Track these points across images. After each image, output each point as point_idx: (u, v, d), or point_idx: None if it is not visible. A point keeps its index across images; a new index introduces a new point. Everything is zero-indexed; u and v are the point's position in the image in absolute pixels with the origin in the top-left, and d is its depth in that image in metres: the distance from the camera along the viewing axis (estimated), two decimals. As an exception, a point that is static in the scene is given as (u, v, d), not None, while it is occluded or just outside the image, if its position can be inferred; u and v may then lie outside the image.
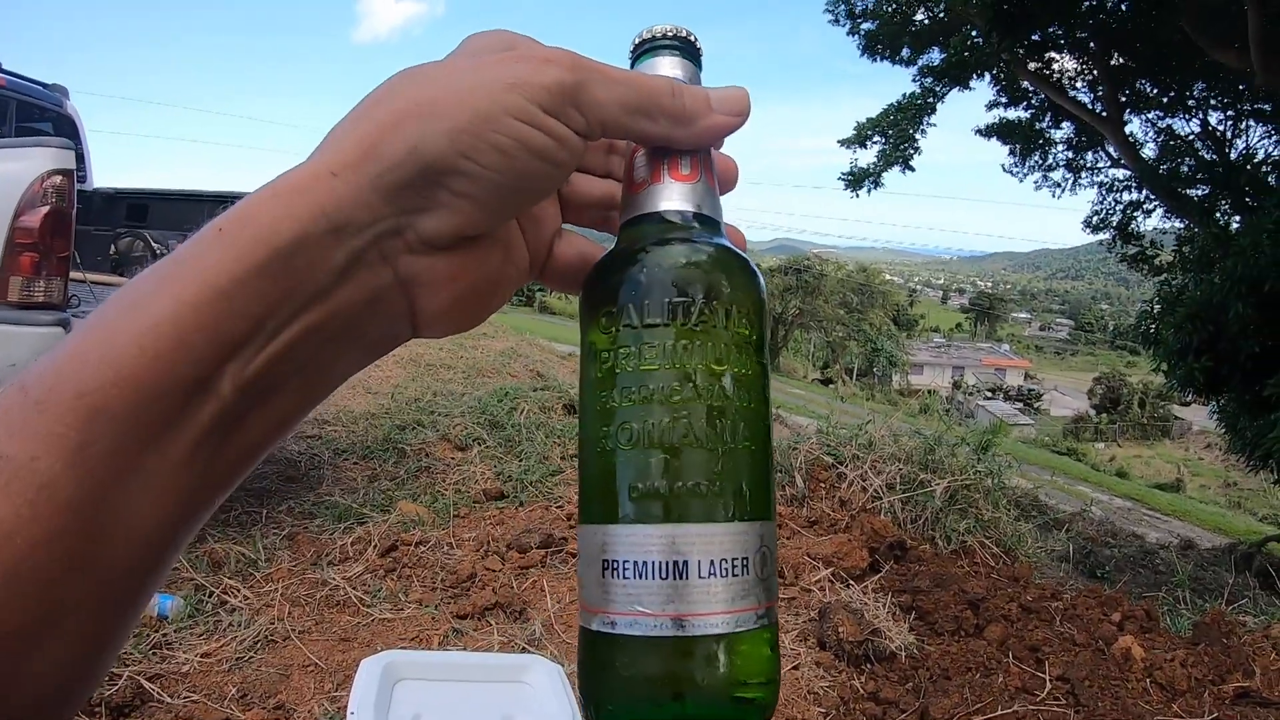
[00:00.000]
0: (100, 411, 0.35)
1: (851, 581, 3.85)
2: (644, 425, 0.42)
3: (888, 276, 72.80)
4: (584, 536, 0.43)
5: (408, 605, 3.46)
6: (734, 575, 0.41)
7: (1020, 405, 56.25)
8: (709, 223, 0.47)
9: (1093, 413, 52.85)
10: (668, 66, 0.48)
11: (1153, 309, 9.91)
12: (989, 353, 76.80)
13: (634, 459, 0.42)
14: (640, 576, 0.40)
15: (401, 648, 2.96)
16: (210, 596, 3.35)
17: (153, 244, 4.14)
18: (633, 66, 0.49)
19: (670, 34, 0.49)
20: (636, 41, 0.50)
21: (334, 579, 3.55)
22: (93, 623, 0.37)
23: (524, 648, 3.15)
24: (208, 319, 0.37)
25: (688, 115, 0.46)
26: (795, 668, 3.18)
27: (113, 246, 4.26)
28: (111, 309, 0.37)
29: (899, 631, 3.38)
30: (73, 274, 3.43)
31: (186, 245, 0.39)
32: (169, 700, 2.70)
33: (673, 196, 0.47)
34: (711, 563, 0.40)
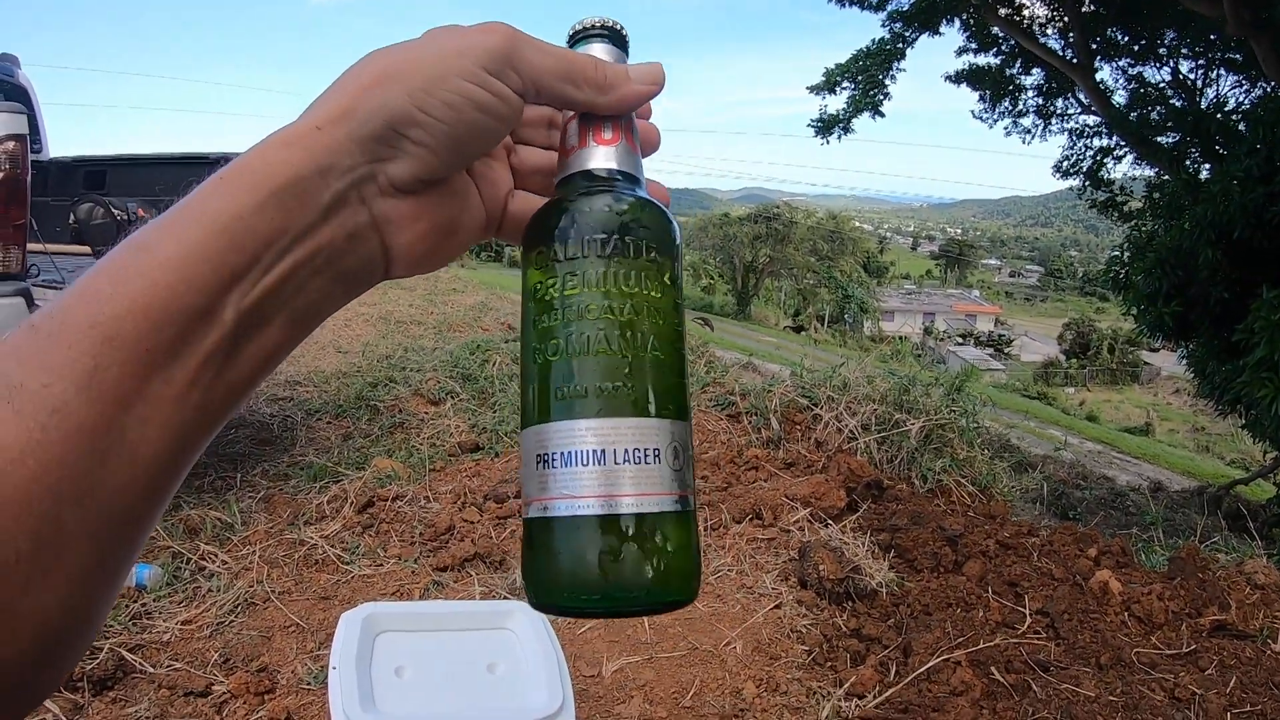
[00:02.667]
0: (112, 339, 0.38)
1: (830, 521, 3.86)
2: (568, 339, 0.49)
3: (857, 224, 72.88)
4: (524, 440, 0.51)
5: (387, 560, 3.44)
6: (647, 463, 0.47)
7: (991, 351, 56.70)
8: (629, 178, 0.55)
9: (1063, 358, 53.38)
10: (597, 51, 0.56)
11: (1123, 255, 9.94)
12: (959, 299, 77.14)
13: (561, 367, 0.49)
14: (568, 465, 0.47)
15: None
16: (188, 563, 3.32)
17: (113, 210, 4.02)
18: (574, 42, 0.57)
19: (599, 24, 0.56)
20: (571, 31, 0.57)
21: (311, 538, 3.52)
22: (95, 553, 0.39)
23: (505, 597, 3.14)
24: (212, 253, 0.41)
25: (608, 84, 0.54)
26: (777, 606, 3.18)
27: (71, 215, 4.14)
28: (119, 252, 0.41)
29: (879, 569, 3.39)
30: (31, 245, 3.33)
31: (190, 195, 0.43)
32: (151, 670, 2.68)
33: (597, 157, 0.55)
34: (627, 450, 0.47)
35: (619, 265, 0.50)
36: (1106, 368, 50.71)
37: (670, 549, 0.48)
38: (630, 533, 0.47)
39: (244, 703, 2.59)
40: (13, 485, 0.35)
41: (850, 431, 4.92)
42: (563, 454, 0.47)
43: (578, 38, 0.57)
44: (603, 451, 0.47)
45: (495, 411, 5.52)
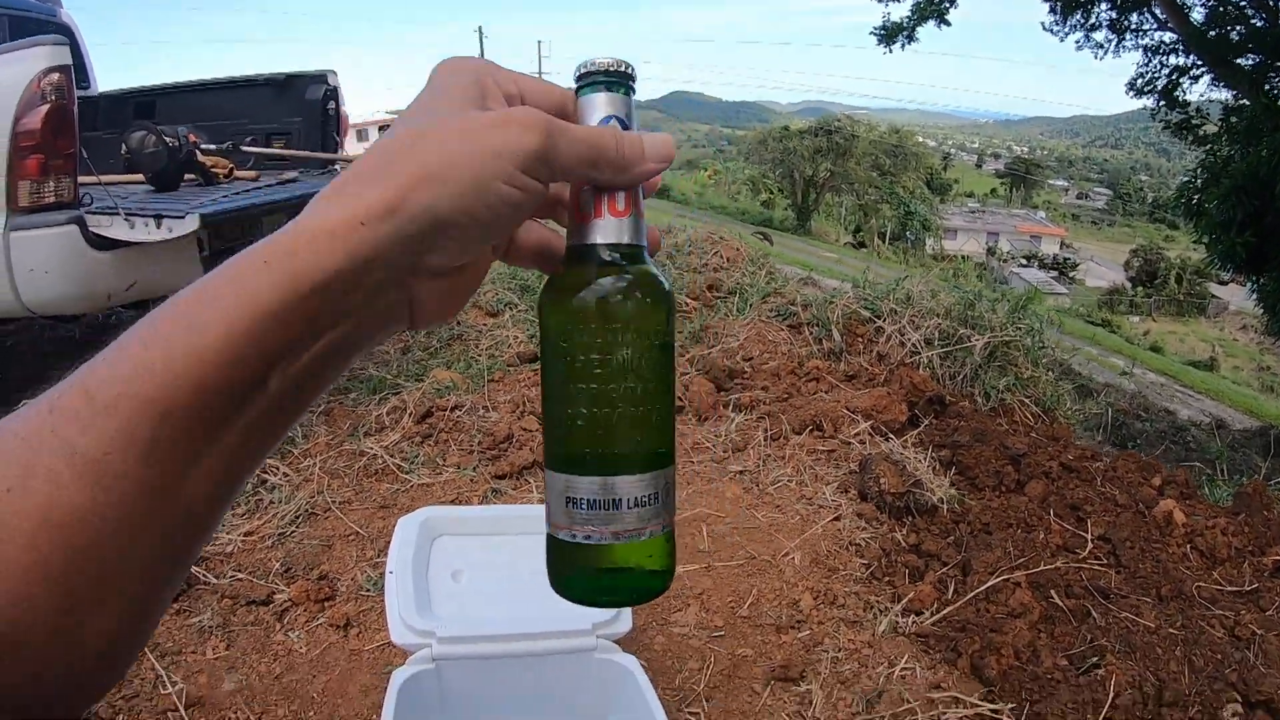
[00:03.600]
0: (168, 414, 0.43)
1: (891, 435, 3.79)
2: (588, 406, 0.59)
3: (920, 139, 70.82)
4: (551, 478, 0.63)
5: (446, 469, 3.45)
6: (648, 505, 0.60)
7: (1055, 274, 55.30)
8: (638, 250, 0.61)
9: (1128, 285, 51.90)
10: (608, 104, 0.59)
11: (1196, 180, 9.51)
12: (1024, 220, 75.09)
13: (581, 430, 0.59)
14: (591, 509, 0.60)
15: (440, 509, 2.95)
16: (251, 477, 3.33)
17: (164, 137, 4.01)
18: (577, 93, 0.60)
19: (610, 69, 0.59)
20: (580, 72, 0.60)
21: (371, 449, 3.54)
22: (148, 583, 0.46)
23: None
24: (258, 336, 0.45)
25: (626, 164, 0.57)
26: (836, 519, 3.14)
27: (123, 145, 4.15)
28: (166, 326, 0.45)
29: (940, 485, 3.33)
30: (84, 178, 3.35)
31: (233, 269, 0.47)
32: (214, 580, 2.71)
33: (611, 230, 0.60)
34: (634, 498, 0.60)
35: (634, 346, 0.58)
36: (1173, 298, 49.30)
37: (657, 563, 0.63)
38: (633, 555, 0.61)
39: (304, 610, 2.63)
40: (77, 541, 0.41)
41: (913, 345, 4.82)
42: (587, 500, 0.60)
43: (586, 83, 0.59)
44: (617, 500, 0.59)
45: (555, 321, 5.46)
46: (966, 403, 4.46)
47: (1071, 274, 57.92)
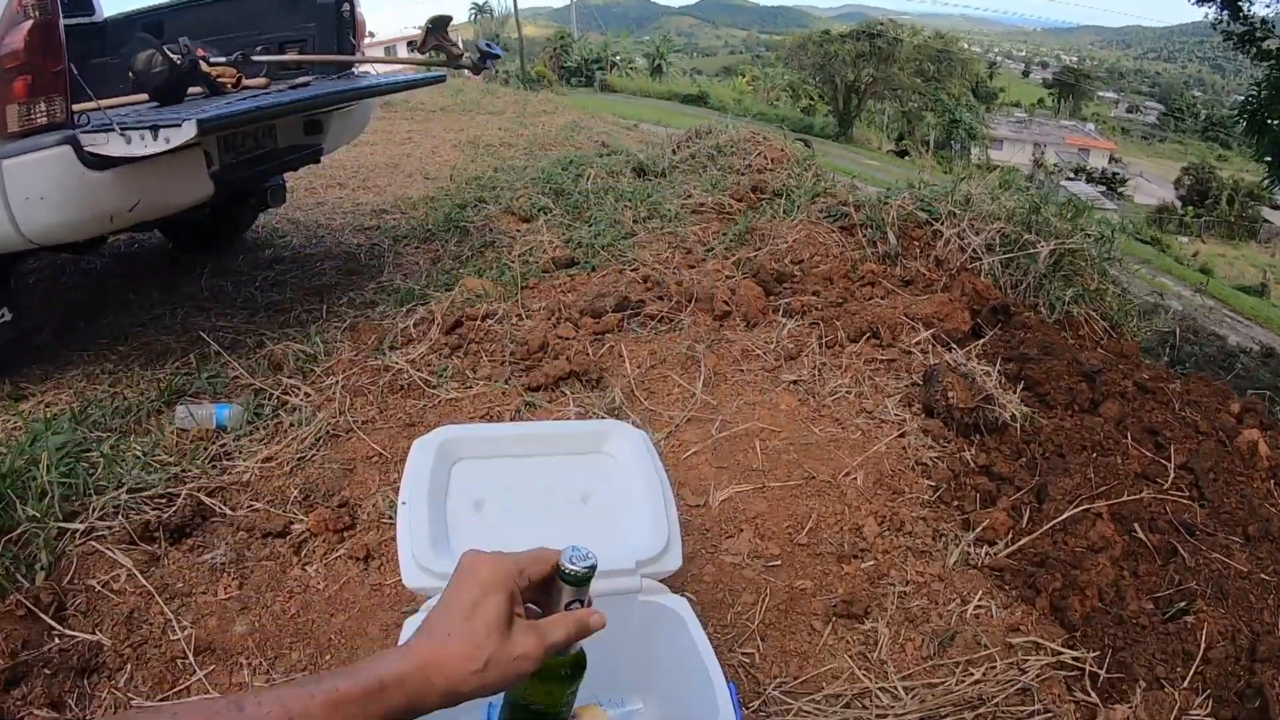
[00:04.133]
0: None
1: (953, 345, 3.49)
2: None
3: (966, 45, 68.40)
4: None
5: (476, 382, 3.19)
6: None
7: (1104, 189, 53.62)
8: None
9: (1178, 204, 50.25)
10: (573, 592, 1.02)
11: (1259, 95, 8.86)
12: (1072, 131, 72.70)
13: None
14: None
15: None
16: (270, 399, 3.13)
17: (170, 54, 3.78)
18: (559, 574, 1.02)
19: (584, 572, 1.01)
20: (565, 571, 1.01)
21: (397, 363, 3.30)
22: None
23: (602, 417, 2.88)
24: None
25: (585, 635, 1.00)
26: (901, 435, 2.87)
27: (129, 68, 3.91)
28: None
29: (1011, 400, 3.04)
30: (84, 105, 3.18)
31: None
32: (230, 513, 2.53)
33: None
34: None
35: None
36: (1224, 220, 47.73)
37: None
38: None
39: (323, 540, 2.43)
40: None
41: (973, 251, 4.47)
42: None
43: (564, 577, 1.01)
44: None
45: (591, 225, 5.17)
46: (1030, 314, 4.13)
47: (1120, 190, 56.27)
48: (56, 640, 2.00)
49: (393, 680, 0.79)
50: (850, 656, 2.10)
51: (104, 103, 3.30)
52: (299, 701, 0.73)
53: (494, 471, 1.84)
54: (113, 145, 2.94)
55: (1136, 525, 2.57)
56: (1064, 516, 2.51)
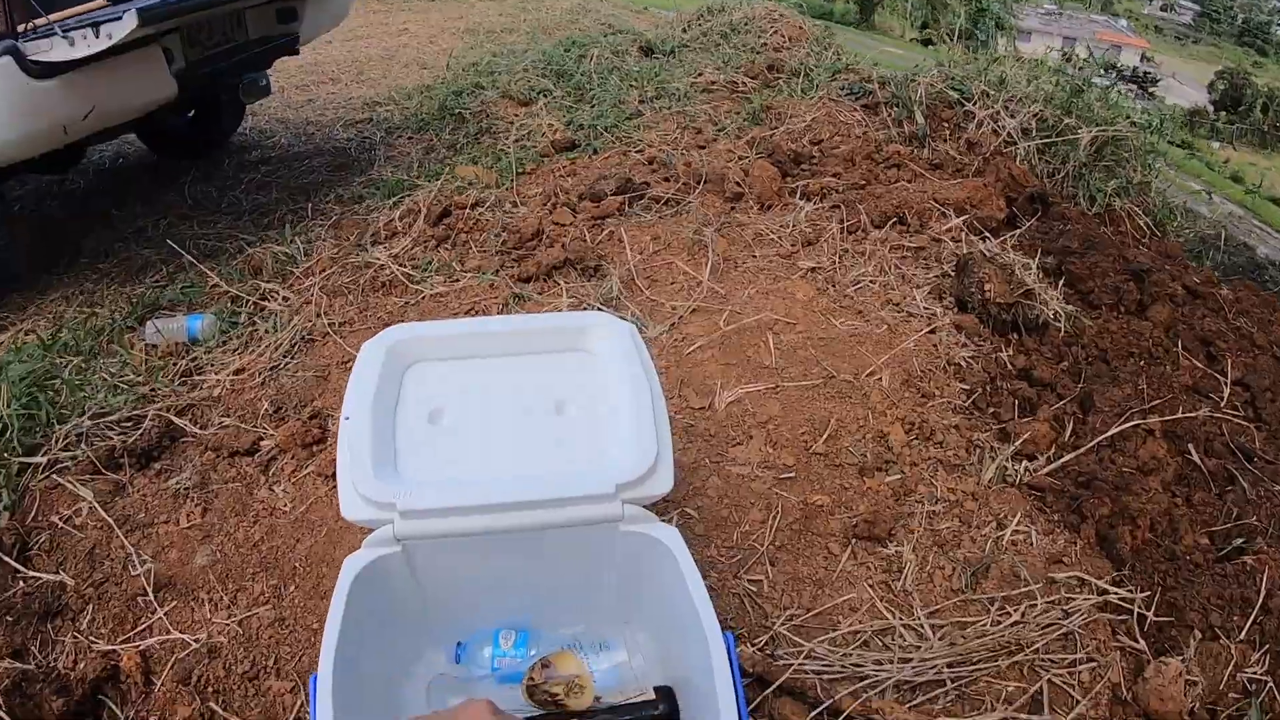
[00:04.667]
0: None
1: (987, 234, 3.16)
2: None
3: (995, -71, 65.45)
4: None
5: (463, 275, 2.89)
6: None
7: (1135, 88, 51.81)
8: None
9: (1211, 109, 48.50)
10: None
11: None
12: (1104, 26, 70.04)
13: None
14: None
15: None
16: (245, 306, 2.89)
17: None
18: None
19: None
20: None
21: (378, 259, 3.00)
22: None
23: (599, 310, 2.60)
24: None
25: None
26: (931, 331, 2.55)
27: None
28: None
29: (1054, 297, 2.73)
30: (37, 21, 2.88)
31: None
32: (199, 432, 2.35)
33: None
34: None
35: None
36: (1258, 128, 46.07)
37: None
38: None
39: (292, 457, 2.24)
40: None
41: (1008, 134, 4.08)
42: None
43: None
44: None
45: (594, 106, 4.78)
46: (1070, 206, 3.77)
47: (1152, 90, 54.42)
48: (21, 584, 1.89)
49: None
50: (871, 586, 1.84)
51: (55, 16, 3.03)
52: None
53: (454, 376, 1.55)
54: (56, 50, 2.71)
55: (1191, 447, 2.29)
56: (1111, 431, 2.22)
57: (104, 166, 4.85)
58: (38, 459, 2.19)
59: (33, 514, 2.07)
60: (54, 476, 2.16)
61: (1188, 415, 2.35)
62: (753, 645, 1.71)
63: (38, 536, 2.02)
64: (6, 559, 1.93)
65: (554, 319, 1.67)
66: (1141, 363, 2.59)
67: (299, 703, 1.69)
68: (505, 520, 1.35)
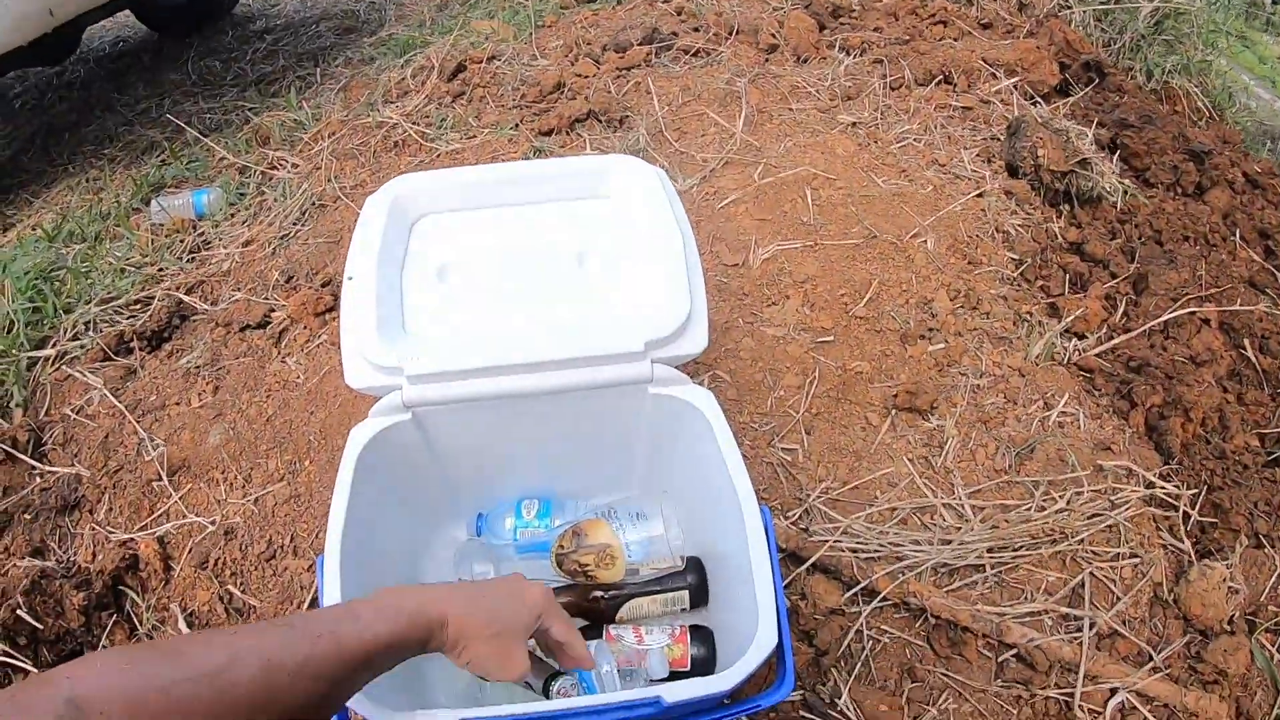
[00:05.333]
0: (364, 666, 0.83)
1: (1039, 100, 2.94)
2: None
3: None
4: None
5: (479, 131, 2.71)
6: None
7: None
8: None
9: (1269, 1, 46.14)
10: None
11: None
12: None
13: None
14: None
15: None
16: (253, 176, 2.75)
17: None
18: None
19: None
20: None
21: (391, 118, 2.82)
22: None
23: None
24: (392, 643, 0.86)
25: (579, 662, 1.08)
26: (979, 194, 2.37)
27: None
28: (342, 624, 0.83)
29: (1110, 169, 2.54)
30: None
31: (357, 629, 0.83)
32: (209, 308, 2.29)
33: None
34: None
35: None
36: None
37: None
38: None
39: (304, 327, 2.15)
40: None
41: (1062, -2, 3.81)
42: None
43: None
44: None
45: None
46: (1127, 79, 3.52)
47: (1204, -26, 51.81)
48: (38, 479, 1.88)
49: (421, 611, 0.90)
50: (911, 461, 1.72)
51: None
52: (343, 611, 0.85)
53: (465, 229, 1.42)
54: None
55: (1246, 342, 2.14)
56: (1166, 316, 2.07)
57: (104, 52, 4.70)
58: (46, 352, 2.17)
59: (45, 408, 2.05)
60: (64, 368, 2.13)
61: (1245, 308, 2.19)
62: (786, 519, 1.61)
63: (51, 430, 1.99)
64: (21, 456, 1.91)
65: (574, 162, 1.51)
66: (1196, 247, 2.42)
67: (315, 581, 1.62)
68: (523, 383, 1.22)
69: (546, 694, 1.19)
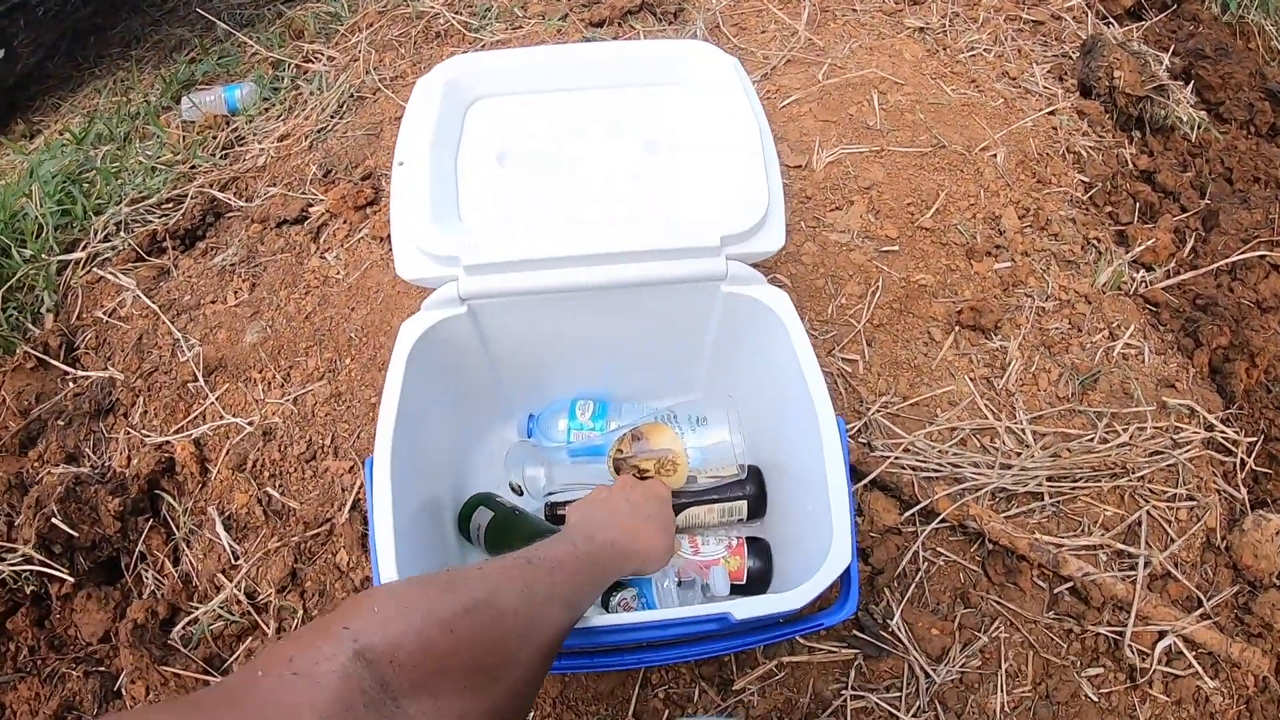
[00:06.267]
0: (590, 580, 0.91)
1: (1112, 21, 2.80)
2: None
3: None
4: None
5: (526, 21, 2.57)
6: None
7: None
8: None
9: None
10: None
11: None
12: None
13: None
14: None
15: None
16: (288, 70, 2.64)
17: None
18: None
19: None
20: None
21: (432, 7, 2.70)
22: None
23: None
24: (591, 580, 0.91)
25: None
26: (1051, 112, 2.26)
27: None
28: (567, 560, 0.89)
29: (1186, 99, 2.42)
30: None
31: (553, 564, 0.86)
32: (244, 205, 2.19)
33: None
34: None
35: None
36: None
37: None
38: None
39: (344, 221, 2.06)
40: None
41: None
42: None
43: None
44: None
45: None
46: (1202, 8, 3.34)
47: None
48: (71, 385, 1.84)
49: (608, 545, 0.99)
50: (973, 380, 1.66)
51: None
52: (559, 550, 0.89)
53: (525, 113, 1.33)
54: None
55: None
56: (1235, 257, 1.98)
57: None
58: (77, 255, 2.10)
59: (76, 312, 1.99)
60: (95, 270, 2.06)
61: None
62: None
63: (83, 334, 1.94)
64: (54, 361, 1.87)
65: (643, 46, 1.41)
66: (1270, 191, 2.31)
67: (357, 483, 1.56)
68: (586, 276, 1.15)
69: (605, 606, 1.17)
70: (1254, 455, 1.63)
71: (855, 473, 1.50)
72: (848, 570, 1.03)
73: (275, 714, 0.51)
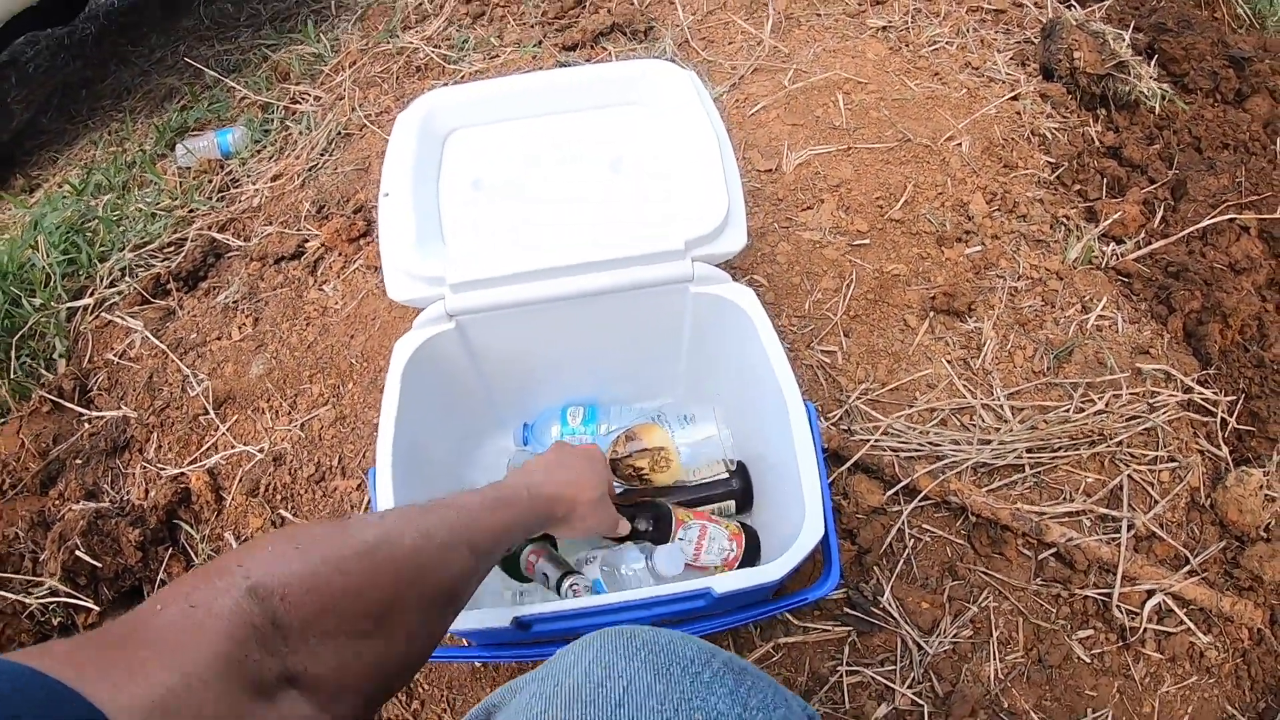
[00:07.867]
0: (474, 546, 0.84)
1: (1074, 3, 2.86)
2: None
3: None
4: None
5: (502, 50, 2.65)
6: None
7: None
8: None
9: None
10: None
11: None
12: None
13: None
14: None
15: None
16: (276, 111, 2.72)
17: None
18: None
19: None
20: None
21: (412, 43, 2.79)
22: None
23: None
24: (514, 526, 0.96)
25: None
26: (1014, 97, 2.32)
27: None
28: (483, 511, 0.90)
29: (1147, 73, 2.47)
30: None
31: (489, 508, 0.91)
32: (242, 244, 2.29)
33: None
34: None
35: None
36: None
37: None
38: None
39: (338, 255, 2.15)
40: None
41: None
42: None
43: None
44: None
45: None
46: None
47: None
48: (86, 425, 1.91)
49: (521, 488, 1.01)
50: (949, 362, 1.72)
51: None
52: (469, 497, 0.90)
53: (497, 140, 1.41)
54: None
55: None
56: (1205, 222, 2.03)
57: (114, 6, 4.62)
58: (84, 301, 2.18)
59: (88, 356, 2.07)
60: (103, 314, 2.14)
61: (1281, 215, 2.15)
62: (827, 420, 1.61)
63: (96, 377, 2.01)
64: (68, 404, 1.93)
65: (603, 69, 1.49)
66: (1236, 154, 2.36)
67: (365, 499, 1.62)
68: (564, 286, 1.22)
69: (558, 592, 1.20)
70: (1235, 414, 1.68)
71: (837, 458, 1.55)
72: (827, 545, 1.08)
73: (172, 645, 0.53)
